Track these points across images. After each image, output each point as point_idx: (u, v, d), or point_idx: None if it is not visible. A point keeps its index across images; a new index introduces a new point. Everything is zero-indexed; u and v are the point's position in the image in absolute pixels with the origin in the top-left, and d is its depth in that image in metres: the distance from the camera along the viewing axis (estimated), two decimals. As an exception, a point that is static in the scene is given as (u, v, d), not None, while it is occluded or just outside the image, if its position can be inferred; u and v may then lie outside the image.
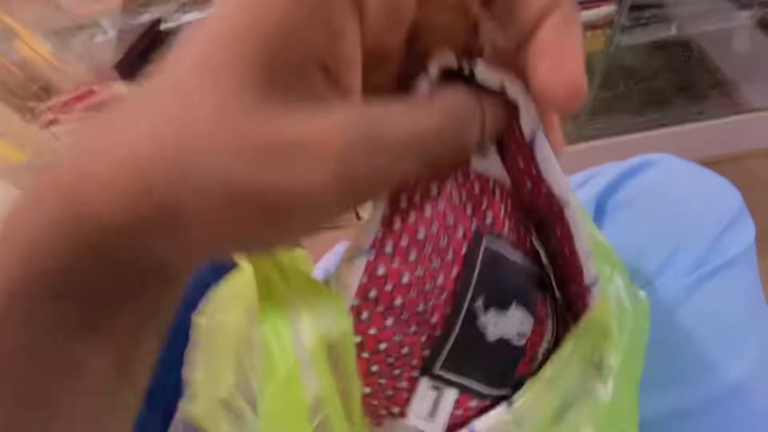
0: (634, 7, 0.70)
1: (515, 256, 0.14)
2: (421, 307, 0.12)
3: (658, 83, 0.97)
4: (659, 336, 0.28)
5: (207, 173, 0.09)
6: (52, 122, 0.82)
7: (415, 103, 0.12)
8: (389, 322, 0.12)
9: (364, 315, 0.12)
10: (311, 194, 0.10)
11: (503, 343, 0.13)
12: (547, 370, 0.13)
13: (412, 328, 0.12)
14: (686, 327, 0.27)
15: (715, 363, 0.26)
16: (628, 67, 0.98)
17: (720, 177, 0.31)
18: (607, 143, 0.96)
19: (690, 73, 0.97)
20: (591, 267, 0.13)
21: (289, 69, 0.10)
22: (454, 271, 0.13)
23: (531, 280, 0.15)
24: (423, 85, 0.12)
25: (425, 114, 0.11)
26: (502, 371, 0.14)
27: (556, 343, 0.15)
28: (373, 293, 0.12)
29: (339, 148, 0.10)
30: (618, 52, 0.77)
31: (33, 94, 0.84)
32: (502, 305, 0.13)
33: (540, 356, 0.14)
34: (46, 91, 0.85)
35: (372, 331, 0.12)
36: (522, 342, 0.14)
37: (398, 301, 0.12)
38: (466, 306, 0.13)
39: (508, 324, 0.13)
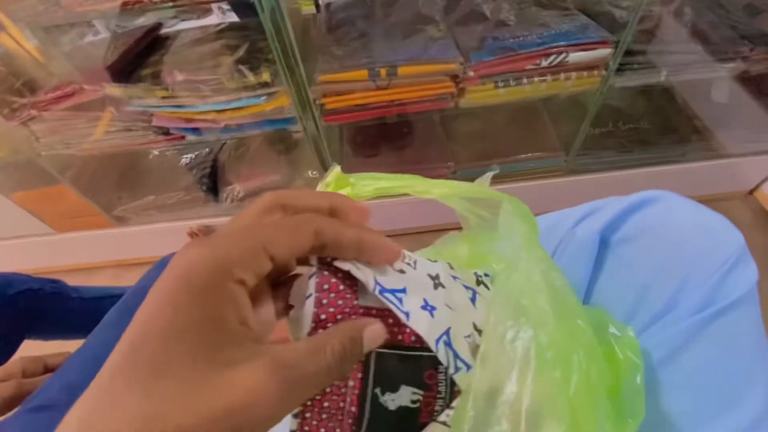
0: (628, 52, 0.74)
1: (397, 350, 0.21)
2: (341, 404, 0.20)
3: (644, 125, 1.02)
4: (666, 375, 0.28)
5: None
6: (32, 119, 0.78)
7: (313, 348, 0.17)
8: (324, 416, 0.20)
9: (308, 414, 0.19)
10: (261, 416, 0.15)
11: (403, 408, 0.21)
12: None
13: (340, 417, 0.20)
14: (693, 368, 0.27)
15: (723, 405, 0.26)
16: (617, 108, 1.02)
17: (721, 215, 0.32)
18: (596, 178, 0.99)
19: (672, 118, 1.02)
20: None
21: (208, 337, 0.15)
22: (359, 374, 0.20)
23: (413, 363, 0.21)
24: (305, 280, 0.20)
25: (321, 358, 0.17)
26: (408, 426, 0.21)
27: (452, 395, 0.22)
28: (309, 402, 0.20)
29: (269, 396, 0.15)
30: (609, 93, 0.80)
31: (14, 89, 0.79)
32: (393, 388, 0.20)
33: (438, 408, 0.21)
34: (30, 87, 0.80)
35: (314, 423, 0.19)
36: (417, 405, 0.21)
37: (326, 404, 0.20)
38: (370, 394, 0.20)
39: (401, 398, 0.21)
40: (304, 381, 0.16)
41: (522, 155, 0.97)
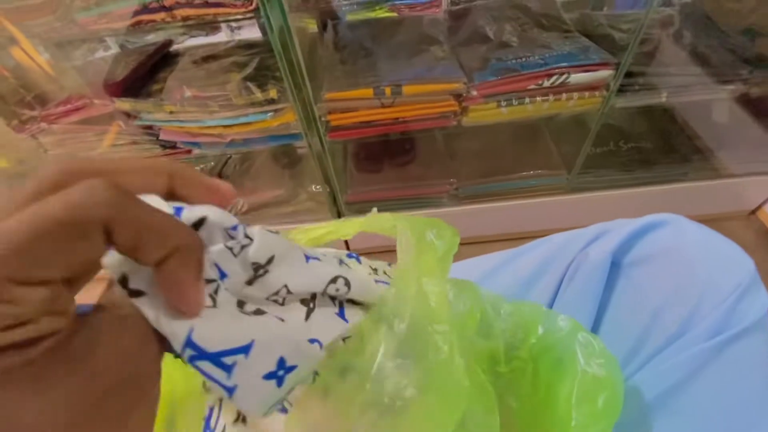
0: (628, 74, 0.75)
1: None
2: None
3: (645, 144, 1.03)
4: (675, 402, 0.27)
5: None
6: (42, 131, 0.79)
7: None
8: None
9: None
10: None
11: None
12: None
13: None
14: (703, 395, 0.27)
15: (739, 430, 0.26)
16: (619, 128, 1.04)
17: (731, 241, 0.32)
18: (597, 196, 0.99)
19: (674, 138, 1.03)
20: None
21: None
22: None
23: None
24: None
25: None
26: None
27: None
28: None
29: None
30: (610, 113, 0.82)
31: (25, 101, 0.81)
32: None
33: None
34: (40, 100, 0.82)
35: None
36: None
37: None
38: None
39: None
40: None
41: (524, 173, 0.98)
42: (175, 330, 0.13)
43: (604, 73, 0.74)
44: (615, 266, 0.32)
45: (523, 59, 0.76)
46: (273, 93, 0.74)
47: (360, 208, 1.02)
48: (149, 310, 0.13)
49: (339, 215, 1.03)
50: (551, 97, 0.76)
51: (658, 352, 0.29)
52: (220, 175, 1.07)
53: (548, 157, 1.01)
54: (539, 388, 0.26)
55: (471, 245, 1.06)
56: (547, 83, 0.74)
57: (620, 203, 0.99)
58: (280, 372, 0.14)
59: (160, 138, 0.81)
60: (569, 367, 0.25)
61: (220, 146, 0.84)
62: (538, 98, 0.76)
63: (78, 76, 0.87)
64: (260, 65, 0.78)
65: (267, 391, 0.14)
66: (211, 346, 0.13)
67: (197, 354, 0.13)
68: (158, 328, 0.13)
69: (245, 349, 0.13)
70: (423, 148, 1.06)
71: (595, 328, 0.31)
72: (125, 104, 0.74)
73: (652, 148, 1.02)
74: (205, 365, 0.13)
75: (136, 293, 0.13)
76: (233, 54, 0.82)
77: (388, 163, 1.07)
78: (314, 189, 1.03)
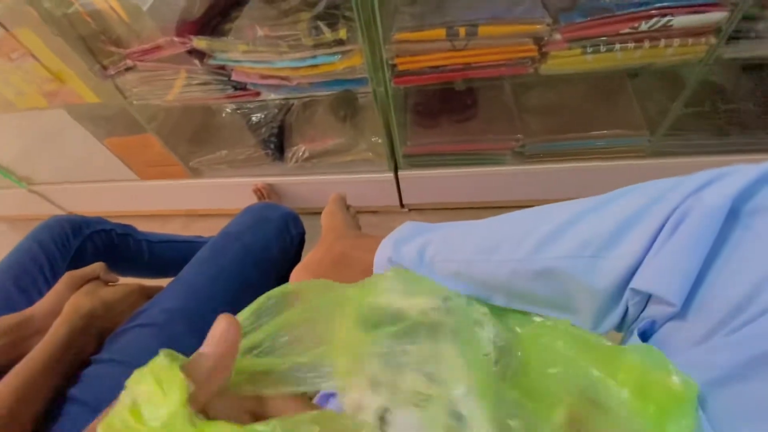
0: (747, 18, 0.65)
1: None
2: None
3: (747, 106, 0.90)
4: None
5: None
6: (129, 69, 0.84)
7: None
8: None
9: None
10: None
11: None
12: None
13: None
14: None
15: None
16: (718, 86, 0.91)
17: None
18: (680, 162, 0.90)
19: (784, 100, 0.89)
20: None
21: None
22: None
23: None
24: None
25: None
26: None
27: None
28: None
29: None
30: (714, 66, 0.72)
31: (106, 42, 0.86)
32: None
33: None
34: (116, 43, 0.86)
35: None
36: None
37: None
38: None
39: None
40: None
41: (599, 132, 0.91)
42: None
43: (716, 16, 0.64)
44: (732, 214, 0.29)
45: (619, -2, 0.67)
46: (342, 33, 0.72)
47: (417, 161, 1.01)
48: None
49: (396, 168, 1.02)
50: (647, 44, 0.68)
51: (762, 313, 0.26)
52: (282, 123, 1.09)
53: (629, 115, 0.92)
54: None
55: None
56: (644, 26, 0.66)
57: (707, 171, 0.90)
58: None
59: (232, 78, 0.83)
60: None
61: (286, 89, 0.85)
62: (630, 44, 0.68)
63: (152, 18, 0.90)
64: (330, 4, 0.76)
65: None
66: None
67: None
68: None
69: None
70: (487, 100, 1.01)
71: (700, 278, 0.28)
72: (202, 42, 0.76)
73: (756, 111, 0.89)
74: None
75: None
76: (303, -8, 0.81)
77: (447, 117, 1.03)
78: (374, 140, 1.02)
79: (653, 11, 0.65)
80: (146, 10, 0.88)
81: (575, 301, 0.31)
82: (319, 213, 0.49)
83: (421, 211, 1.15)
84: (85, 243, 0.65)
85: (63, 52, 0.84)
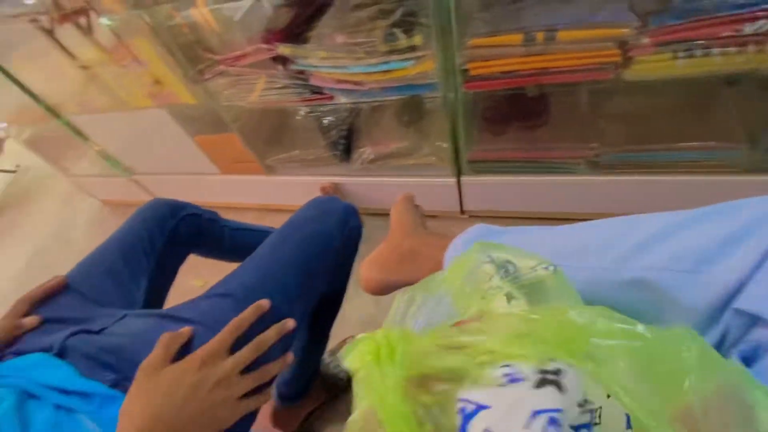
0: None
1: None
2: None
3: None
4: None
5: None
6: (220, 74, 0.93)
7: None
8: None
9: None
10: None
11: None
12: None
13: None
14: None
15: None
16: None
17: None
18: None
19: None
20: None
21: None
22: None
23: None
24: None
25: None
26: None
27: None
28: None
29: None
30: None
31: (200, 53, 0.95)
32: None
33: None
34: (210, 50, 0.95)
35: None
36: None
37: None
38: None
39: None
40: None
41: (687, 143, 0.83)
42: None
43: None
44: None
45: (719, -2, 0.62)
46: (418, 39, 0.74)
47: (482, 167, 1.00)
48: None
49: (459, 173, 1.02)
50: (752, 48, 0.62)
51: None
52: (351, 126, 1.14)
53: (723, 125, 0.84)
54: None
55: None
56: (749, 29, 0.60)
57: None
58: None
59: (310, 83, 0.89)
60: None
61: (358, 94, 0.88)
62: (732, 48, 0.63)
63: (240, 29, 0.99)
64: (405, 13, 0.79)
65: None
66: None
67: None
68: None
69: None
70: (560, 107, 0.97)
71: None
72: (286, 49, 0.83)
73: None
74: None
75: None
76: (380, 1, 0.84)
77: (517, 123, 1.01)
78: (437, 144, 1.03)
79: (759, 13, 0.59)
80: (237, 20, 0.98)
81: (664, 316, 0.30)
82: (378, 214, 0.51)
83: (482, 218, 1.13)
84: (179, 224, 0.73)
85: (166, 58, 0.95)
